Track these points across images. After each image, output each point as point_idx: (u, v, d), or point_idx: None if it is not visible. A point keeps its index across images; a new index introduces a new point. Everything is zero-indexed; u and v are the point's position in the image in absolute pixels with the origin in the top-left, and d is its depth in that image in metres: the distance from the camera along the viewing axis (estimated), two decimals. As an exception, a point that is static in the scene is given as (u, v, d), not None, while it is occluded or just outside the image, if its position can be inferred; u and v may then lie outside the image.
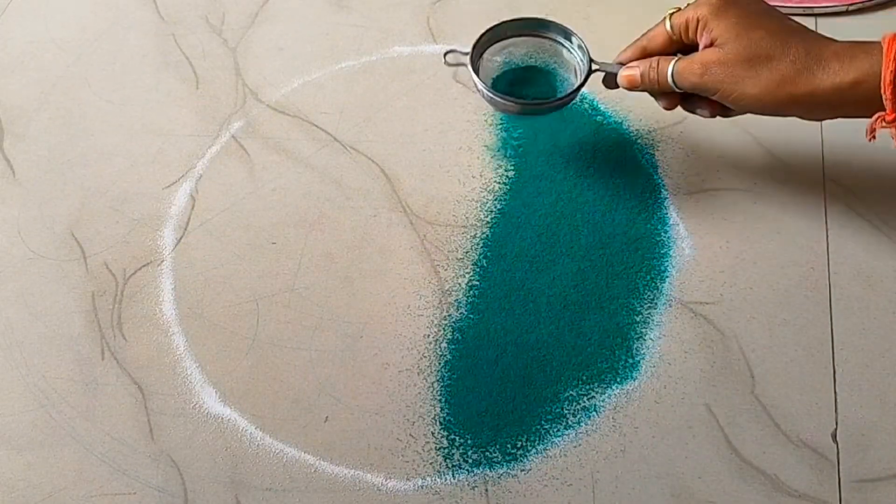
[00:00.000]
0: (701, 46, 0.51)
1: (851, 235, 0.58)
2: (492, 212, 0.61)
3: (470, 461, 0.52)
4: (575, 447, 0.52)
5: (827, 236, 0.58)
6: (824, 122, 0.63)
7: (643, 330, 0.56)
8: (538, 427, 0.53)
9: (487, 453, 0.52)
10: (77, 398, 0.55)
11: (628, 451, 0.52)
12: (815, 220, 0.59)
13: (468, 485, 0.52)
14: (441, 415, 0.54)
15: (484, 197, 0.61)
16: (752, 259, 0.58)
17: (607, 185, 0.61)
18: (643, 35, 0.54)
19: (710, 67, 0.49)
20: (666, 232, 0.59)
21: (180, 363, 0.56)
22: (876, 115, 0.46)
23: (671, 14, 0.52)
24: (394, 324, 0.57)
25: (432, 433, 0.53)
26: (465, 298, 0.57)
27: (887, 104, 0.45)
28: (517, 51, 0.59)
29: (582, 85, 0.55)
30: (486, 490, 0.51)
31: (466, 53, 0.56)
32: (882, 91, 0.45)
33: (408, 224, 0.61)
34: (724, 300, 0.56)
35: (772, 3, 0.67)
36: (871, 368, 0.54)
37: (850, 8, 0.67)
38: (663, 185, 0.61)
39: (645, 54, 0.53)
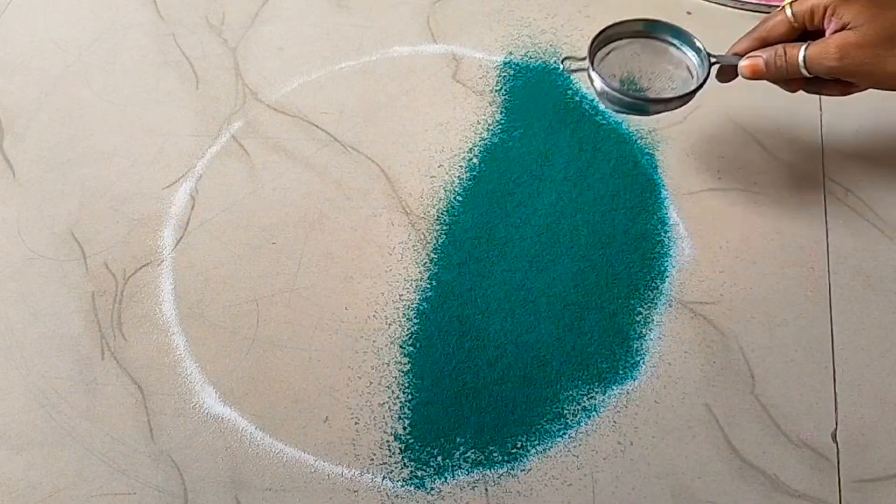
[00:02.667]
0: (829, 31, 0.51)
1: (851, 235, 0.58)
2: (492, 212, 0.61)
3: (470, 461, 0.52)
4: (575, 447, 0.52)
5: (827, 236, 0.58)
6: (824, 122, 0.63)
7: (643, 330, 0.56)
8: (538, 427, 0.53)
9: (487, 453, 0.52)
10: (77, 398, 0.55)
11: (628, 451, 0.52)
12: (816, 220, 0.59)
13: (468, 485, 0.52)
14: (441, 415, 0.54)
15: (484, 197, 0.61)
16: (752, 259, 0.58)
17: (607, 185, 0.61)
18: (759, 25, 0.54)
19: (848, 51, 0.49)
20: (666, 232, 0.59)
21: (180, 363, 0.56)
22: None
23: (791, 3, 0.52)
24: (393, 322, 0.57)
25: (432, 433, 0.53)
26: (466, 298, 0.57)
27: None
28: (627, 51, 0.59)
29: (706, 80, 0.55)
30: (486, 490, 0.51)
31: (584, 59, 0.56)
32: None
33: (408, 224, 0.61)
34: (724, 300, 0.56)
35: (773, 3, 0.68)
36: (871, 368, 0.54)
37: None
38: (663, 185, 0.61)
39: (765, 44, 0.53)
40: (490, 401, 0.54)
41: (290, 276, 0.59)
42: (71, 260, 0.60)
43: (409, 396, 0.54)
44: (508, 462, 0.52)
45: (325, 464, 0.52)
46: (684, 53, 0.57)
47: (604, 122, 0.64)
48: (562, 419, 0.53)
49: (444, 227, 0.60)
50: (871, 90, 0.53)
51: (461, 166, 0.63)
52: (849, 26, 0.50)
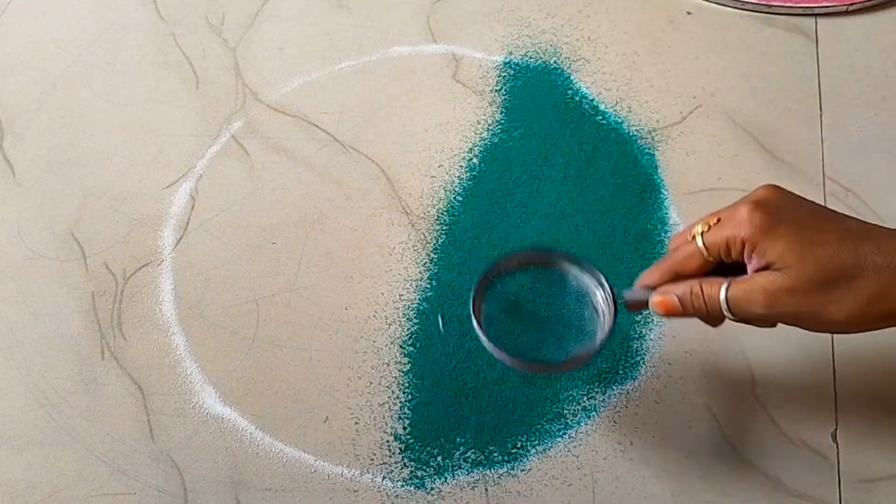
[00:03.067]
0: (751, 269, 0.42)
1: (851, 235, 0.58)
2: (492, 212, 0.60)
3: (470, 461, 0.52)
4: (575, 447, 0.52)
5: (827, 236, 0.58)
6: (825, 122, 0.63)
7: (643, 330, 0.56)
8: (538, 427, 0.53)
9: (487, 453, 0.52)
10: (77, 398, 0.55)
11: (628, 451, 0.52)
12: (816, 220, 0.59)
13: (468, 485, 0.52)
14: (441, 414, 0.54)
15: (484, 197, 0.61)
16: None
17: (607, 185, 0.61)
18: (668, 256, 0.46)
19: (778, 297, 0.40)
20: (666, 232, 0.59)
21: (180, 363, 0.56)
22: None
23: (702, 233, 0.43)
24: (393, 322, 0.57)
25: (432, 433, 0.53)
26: (466, 298, 0.57)
27: None
28: (521, 283, 0.50)
29: (612, 331, 0.47)
30: (486, 490, 0.51)
31: (468, 315, 0.48)
32: None
33: (408, 224, 0.61)
34: (724, 300, 0.56)
35: (773, 3, 0.68)
36: (871, 368, 0.54)
37: (850, 8, 0.67)
38: (663, 185, 0.61)
39: (676, 278, 0.45)
40: (490, 401, 0.54)
41: (290, 276, 0.59)
42: (71, 260, 0.60)
43: (409, 396, 0.54)
44: (508, 462, 0.52)
45: (325, 464, 0.52)
46: (582, 282, 0.49)
47: (604, 122, 0.64)
48: (562, 419, 0.53)
49: (444, 227, 0.60)
50: None
51: (461, 166, 0.63)
52: (774, 266, 0.41)
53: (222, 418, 0.54)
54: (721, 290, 0.42)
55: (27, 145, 0.65)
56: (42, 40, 0.71)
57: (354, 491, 0.52)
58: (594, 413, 0.53)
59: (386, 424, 0.53)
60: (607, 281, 0.47)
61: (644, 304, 0.46)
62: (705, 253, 0.43)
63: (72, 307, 0.58)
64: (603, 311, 0.48)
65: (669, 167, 0.62)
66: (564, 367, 0.50)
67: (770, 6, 0.68)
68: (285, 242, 0.60)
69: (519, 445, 0.53)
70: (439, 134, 0.64)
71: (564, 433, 0.53)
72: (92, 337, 0.57)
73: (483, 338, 0.47)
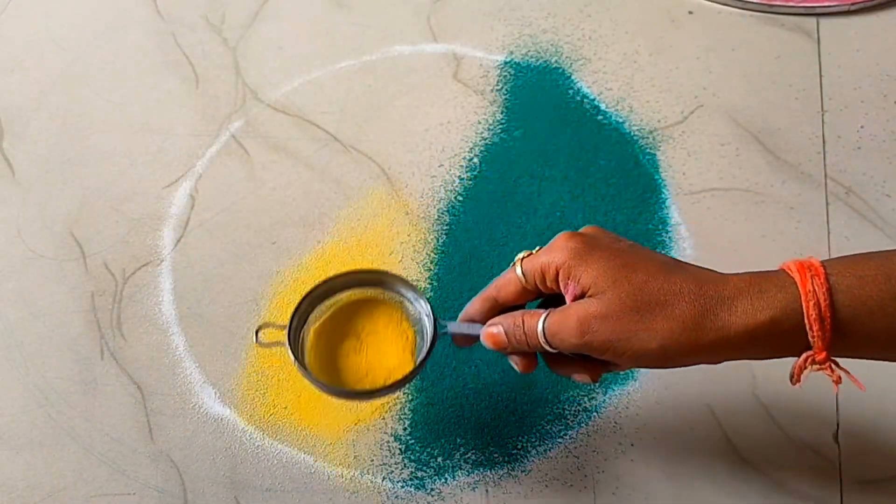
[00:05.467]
0: (569, 297, 0.41)
1: (853, 235, 0.58)
2: (493, 212, 0.60)
3: (470, 461, 0.52)
4: (576, 448, 0.52)
5: (829, 236, 0.58)
6: (826, 122, 0.63)
7: (644, 330, 0.55)
8: (539, 428, 0.53)
9: (488, 454, 0.52)
10: (76, 398, 0.55)
11: (629, 452, 0.52)
12: (817, 220, 0.59)
13: (468, 485, 0.51)
14: (441, 415, 0.53)
15: (485, 197, 0.61)
16: (754, 259, 0.57)
17: (608, 185, 0.61)
18: (492, 283, 0.44)
19: (590, 324, 0.39)
20: (667, 232, 0.59)
21: (180, 363, 0.56)
22: (804, 356, 0.38)
23: (521, 259, 0.43)
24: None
25: (432, 433, 0.53)
26: (466, 298, 0.57)
27: (815, 342, 0.38)
28: (346, 310, 0.48)
29: (427, 357, 0.44)
30: (487, 490, 0.51)
31: (283, 327, 0.45)
32: (807, 328, 0.37)
33: (408, 224, 0.60)
34: (726, 300, 0.56)
35: (775, 3, 0.67)
36: (872, 369, 0.53)
37: (852, 8, 0.67)
38: (664, 186, 0.61)
39: (496, 306, 0.44)
40: (490, 402, 0.54)
41: (290, 276, 0.59)
42: (70, 260, 0.60)
43: (410, 397, 0.54)
44: (509, 463, 0.52)
45: (324, 464, 0.52)
46: (416, 309, 0.47)
47: (605, 121, 0.64)
48: (562, 420, 0.53)
49: (445, 227, 0.60)
50: None
51: (462, 166, 0.63)
52: (589, 292, 0.40)
53: (222, 418, 0.54)
54: (539, 321, 0.41)
55: (27, 145, 0.65)
56: (41, 40, 0.70)
57: (354, 491, 0.51)
58: (595, 414, 0.53)
59: (386, 425, 0.53)
60: (433, 312, 0.45)
61: (470, 339, 0.45)
62: (522, 280, 0.43)
63: (71, 307, 0.58)
64: (426, 339, 0.45)
65: (671, 167, 0.62)
66: (371, 396, 0.46)
67: (772, 6, 0.68)
68: (285, 242, 0.60)
69: (519, 446, 0.52)
70: (440, 133, 0.64)
71: (565, 434, 0.53)
72: (91, 337, 0.57)
73: (298, 366, 0.45)
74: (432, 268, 0.58)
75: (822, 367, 0.38)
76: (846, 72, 0.65)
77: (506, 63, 0.67)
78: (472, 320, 0.45)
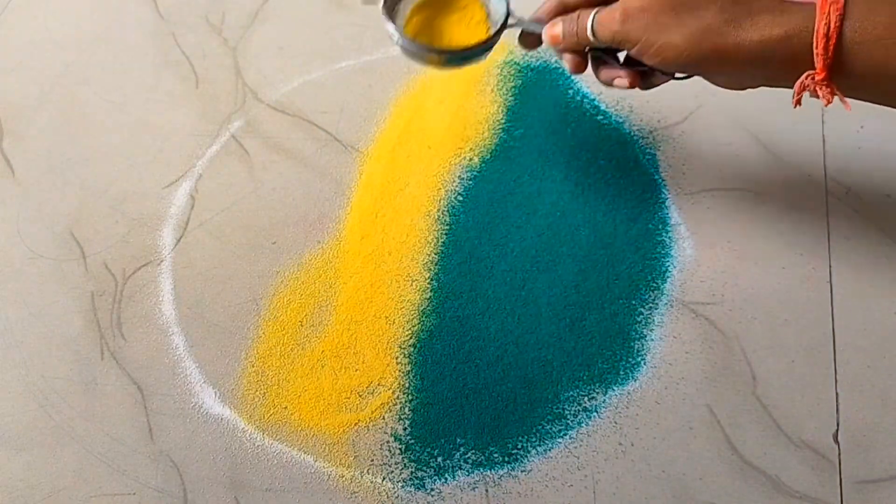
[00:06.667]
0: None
1: (853, 235, 0.58)
2: (493, 212, 0.60)
3: (470, 461, 0.52)
4: (575, 448, 0.52)
5: (828, 236, 0.58)
6: (825, 121, 0.63)
7: (644, 330, 0.56)
8: (539, 428, 0.53)
9: (488, 454, 0.52)
10: (76, 398, 0.55)
11: (629, 451, 0.52)
12: (817, 220, 0.59)
13: (468, 485, 0.51)
14: (441, 415, 0.53)
15: (485, 197, 0.61)
16: (754, 259, 0.58)
17: (608, 185, 0.61)
18: None
19: (631, 14, 0.46)
20: (667, 232, 0.59)
21: (180, 363, 0.56)
22: (805, 73, 0.43)
23: None
24: (394, 322, 0.57)
25: (432, 433, 0.53)
26: (466, 298, 0.57)
27: (818, 60, 0.42)
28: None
29: (499, 33, 0.51)
30: (487, 491, 0.51)
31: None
32: (814, 46, 0.41)
33: (408, 224, 0.60)
34: (726, 300, 0.56)
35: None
36: (872, 369, 0.53)
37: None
38: (664, 185, 0.61)
39: (564, 9, 0.50)
40: (490, 401, 0.54)
41: (290, 276, 0.59)
42: (70, 260, 0.60)
43: (410, 397, 0.54)
44: (509, 463, 0.52)
45: (324, 464, 0.52)
46: (497, 8, 0.53)
47: (605, 121, 0.64)
48: (562, 420, 0.53)
49: (445, 227, 0.60)
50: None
51: (462, 166, 0.63)
52: None
53: (222, 418, 0.54)
54: (592, 13, 0.48)
55: (27, 145, 0.65)
56: (42, 40, 0.70)
57: (354, 492, 0.51)
58: (595, 414, 0.53)
59: (386, 425, 0.53)
60: (508, 7, 0.51)
61: (536, 39, 0.51)
62: None
63: (71, 307, 0.58)
64: (496, 23, 0.52)
65: (670, 167, 0.62)
66: (453, 56, 0.53)
67: (771, 5, 0.67)
68: (285, 242, 0.60)
69: (519, 446, 0.52)
70: (440, 133, 0.64)
71: (565, 434, 0.53)
72: (91, 337, 0.57)
73: (395, 33, 0.52)
74: (432, 268, 0.58)
75: (820, 84, 0.42)
76: (846, 72, 0.65)
77: (506, 63, 0.67)
78: (540, 20, 0.51)
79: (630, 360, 0.55)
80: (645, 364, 0.54)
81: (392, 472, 0.52)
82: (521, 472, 0.52)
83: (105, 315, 0.58)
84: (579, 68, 0.51)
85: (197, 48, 0.69)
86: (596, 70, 0.51)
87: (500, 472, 0.52)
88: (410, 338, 0.56)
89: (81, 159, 0.64)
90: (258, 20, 0.70)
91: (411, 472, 0.52)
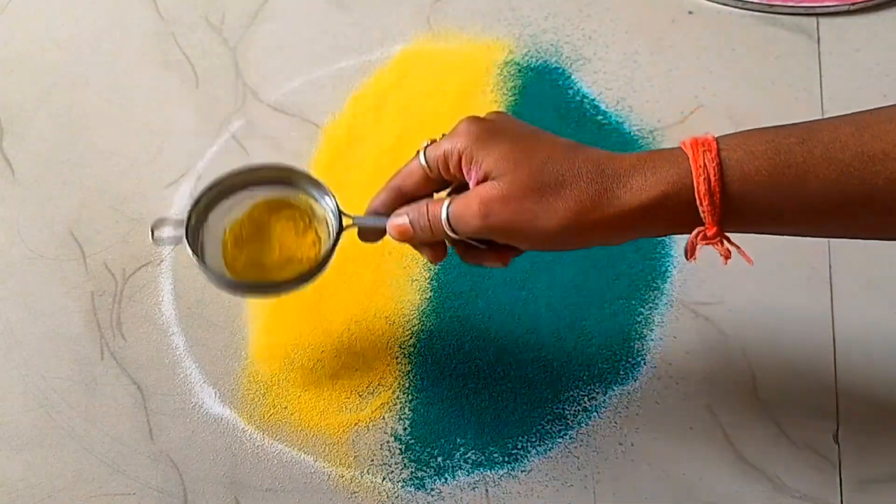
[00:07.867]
0: (472, 183, 0.42)
1: (853, 235, 0.58)
2: (492, 212, 0.60)
3: (470, 461, 0.52)
4: (575, 448, 0.52)
5: (828, 236, 0.58)
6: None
7: (644, 330, 0.56)
8: (539, 427, 0.53)
9: (488, 454, 0.52)
10: (76, 398, 0.55)
11: (629, 451, 0.52)
12: (817, 220, 0.59)
13: (468, 485, 0.51)
14: (441, 415, 0.53)
15: (484, 197, 0.61)
16: (754, 259, 0.57)
17: (608, 184, 0.61)
18: (396, 173, 0.45)
19: (492, 208, 0.40)
20: (667, 232, 0.59)
21: (180, 363, 0.56)
22: (696, 231, 0.39)
23: (425, 147, 0.44)
24: (394, 322, 0.57)
25: (432, 433, 0.53)
26: (466, 298, 0.57)
27: (705, 217, 0.38)
28: (245, 205, 0.48)
29: (332, 249, 0.45)
30: (487, 491, 0.51)
31: (182, 222, 0.46)
32: (698, 203, 0.38)
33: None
34: (726, 301, 0.56)
35: (775, 2, 0.67)
36: (872, 369, 0.53)
37: (853, 7, 0.67)
38: (664, 185, 0.61)
39: (402, 196, 0.44)
40: (490, 401, 0.54)
41: (290, 276, 0.59)
42: (70, 260, 0.60)
43: (410, 397, 0.54)
44: (509, 463, 0.52)
45: (324, 464, 0.52)
46: (325, 208, 0.47)
47: (605, 121, 0.64)
48: (562, 420, 0.53)
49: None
50: None
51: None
52: (491, 176, 0.40)
53: (222, 418, 0.54)
54: (443, 207, 0.42)
55: (27, 145, 0.65)
56: (42, 40, 0.70)
57: (354, 492, 0.51)
58: (595, 414, 0.53)
59: (386, 425, 0.53)
60: (338, 207, 0.46)
61: (378, 232, 0.45)
62: (426, 167, 0.43)
63: (71, 307, 0.58)
64: (330, 235, 0.46)
65: (670, 167, 0.61)
66: (276, 289, 0.47)
67: (772, 6, 0.67)
68: (285, 242, 0.60)
69: (519, 446, 0.52)
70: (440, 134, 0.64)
71: (565, 434, 0.53)
72: (91, 337, 0.57)
73: (200, 266, 0.45)
74: (433, 268, 0.58)
75: (713, 241, 0.39)
76: (846, 71, 0.65)
77: (506, 63, 0.67)
78: (377, 213, 0.45)
79: (630, 360, 0.55)
80: (645, 364, 0.54)
81: (392, 472, 0.52)
82: (521, 472, 0.52)
83: (105, 315, 0.58)
84: (439, 257, 0.45)
85: (197, 48, 0.69)
86: (460, 254, 0.45)
87: (500, 472, 0.52)
88: (410, 338, 0.56)
89: (81, 159, 0.64)
90: (258, 20, 0.70)
91: (411, 472, 0.52)
